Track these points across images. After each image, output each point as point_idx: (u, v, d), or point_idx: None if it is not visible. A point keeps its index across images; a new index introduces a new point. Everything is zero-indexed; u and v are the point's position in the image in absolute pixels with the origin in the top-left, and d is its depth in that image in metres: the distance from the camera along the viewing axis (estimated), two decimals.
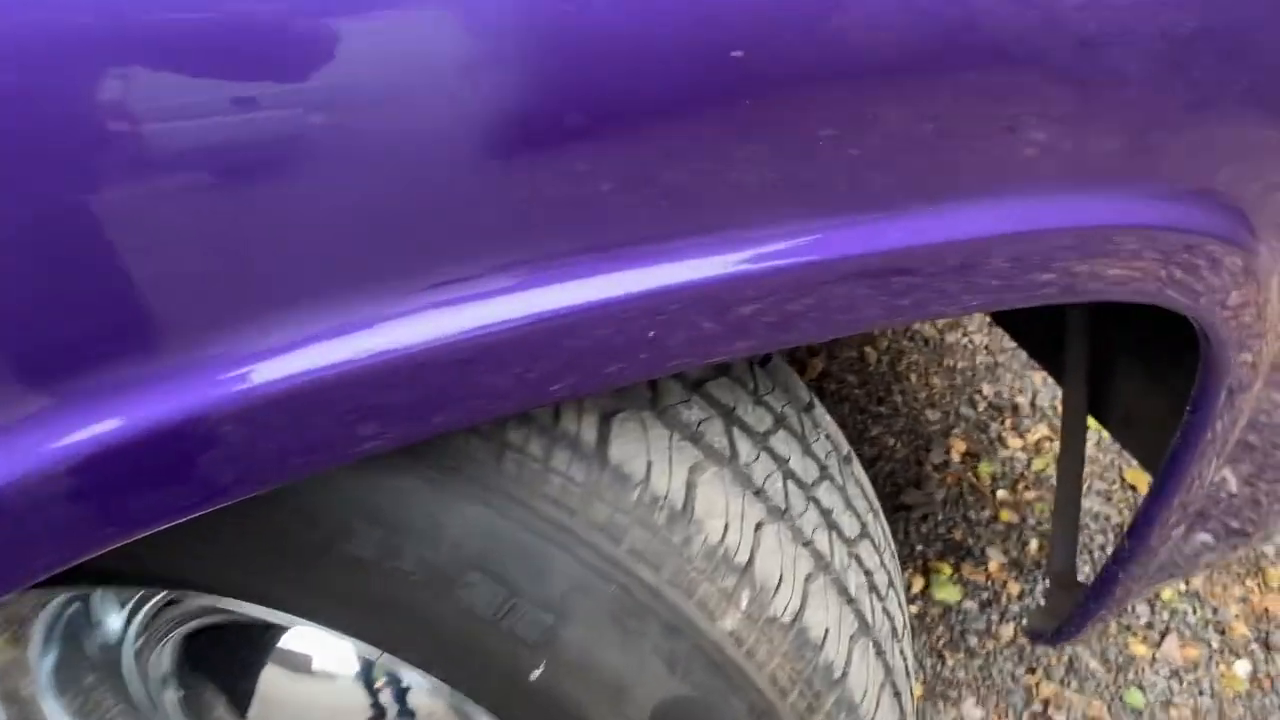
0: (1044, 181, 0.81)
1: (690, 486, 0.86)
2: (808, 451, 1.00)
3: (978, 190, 0.77)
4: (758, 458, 0.93)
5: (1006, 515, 2.49)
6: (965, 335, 3.06)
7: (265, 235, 0.54)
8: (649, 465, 0.84)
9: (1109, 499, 2.58)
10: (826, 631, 0.92)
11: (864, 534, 1.04)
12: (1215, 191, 0.94)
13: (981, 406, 2.80)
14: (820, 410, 1.08)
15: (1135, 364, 1.83)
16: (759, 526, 0.90)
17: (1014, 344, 3.00)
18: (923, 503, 2.52)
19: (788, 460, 0.96)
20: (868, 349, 2.99)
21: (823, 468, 1.01)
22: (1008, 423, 2.76)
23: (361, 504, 0.80)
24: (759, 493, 0.92)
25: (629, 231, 0.64)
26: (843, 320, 0.75)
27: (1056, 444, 2.70)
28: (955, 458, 2.62)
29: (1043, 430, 2.74)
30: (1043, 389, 2.88)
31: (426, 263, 0.60)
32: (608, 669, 0.84)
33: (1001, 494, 2.53)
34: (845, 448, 1.10)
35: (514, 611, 0.83)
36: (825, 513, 0.99)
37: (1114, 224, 0.85)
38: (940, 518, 2.48)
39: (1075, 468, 1.86)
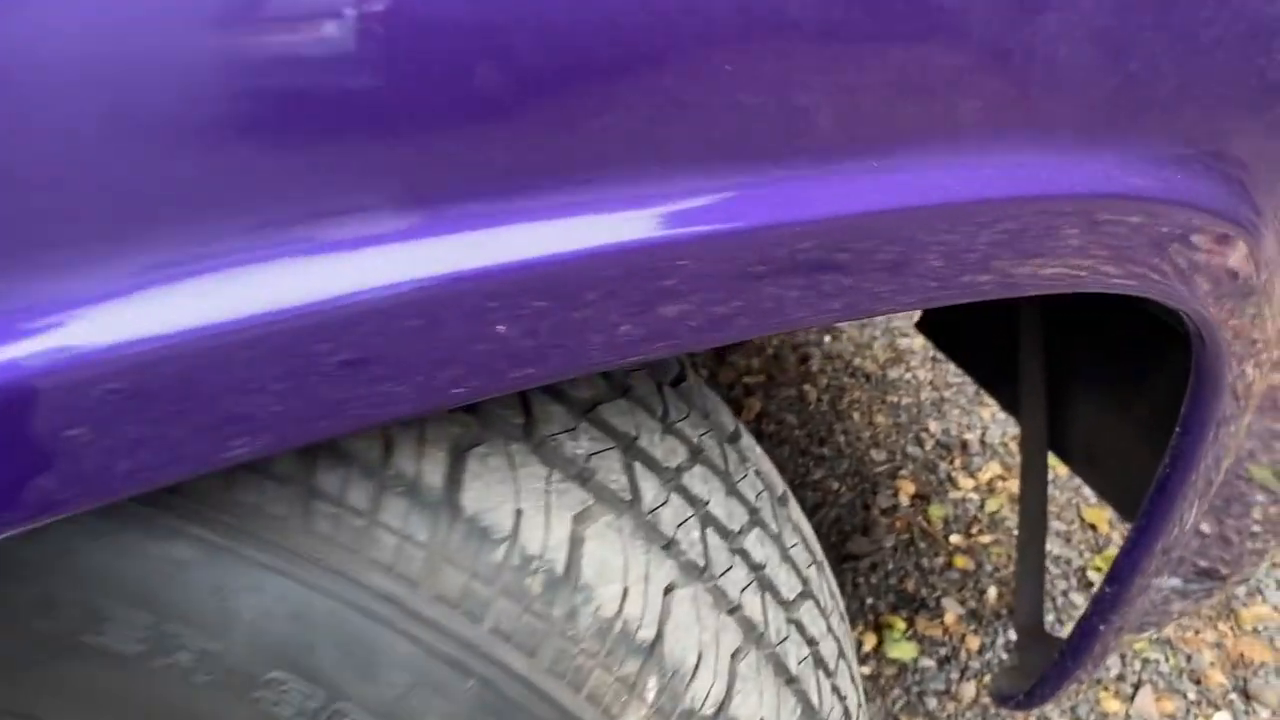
0: (1014, 137, 0.63)
1: (576, 542, 0.65)
2: (732, 492, 0.80)
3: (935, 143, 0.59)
4: (667, 501, 0.72)
5: (961, 562, 2.30)
6: (909, 370, 2.90)
7: None
8: (518, 515, 0.63)
9: (1069, 540, 2.41)
10: None
11: (806, 593, 0.83)
12: (1213, 158, 0.77)
13: (929, 445, 2.63)
14: (748, 440, 0.88)
15: (1096, 391, 1.69)
16: (669, 591, 0.69)
17: (960, 378, 2.85)
18: (871, 551, 2.32)
19: (707, 503, 0.75)
20: (807, 386, 2.81)
21: (752, 511, 0.81)
22: (957, 462, 2.59)
23: (117, 580, 0.58)
24: (669, 546, 0.71)
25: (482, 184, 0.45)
26: (769, 308, 0.56)
27: (1010, 483, 2.53)
28: (904, 501, 2.44)
29: (995, 469, 2.57)
30: (992, 425, 2.71)
31: None
32: None
33: (955, 539, 2.35)
34: (780, 487, 0.89)
35: None
36: (756, 569, 0.78)
37: (1097, 192, 0.68)
38: (891, 567, 2.29)
39: (1038, 507, 1.69)
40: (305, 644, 0.60)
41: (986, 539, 2.35)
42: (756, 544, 0.79)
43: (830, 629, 0.86)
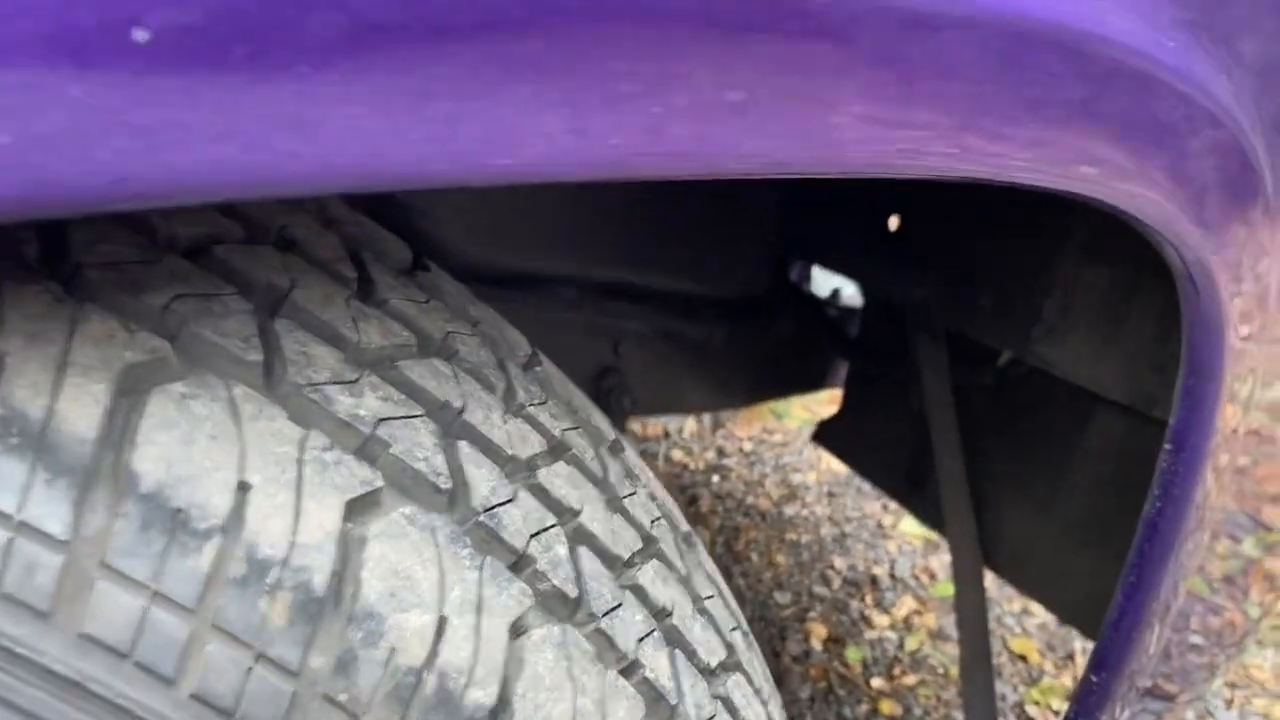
0: None
1: (351, 540, 0.38)
2: (617, 508, 0.54)
3: None
4: (513, 499, 0.46)
5: (887, 707, 2.02)
6: (805, 506, 2.67)
7: None
8: (242, 490, 0.36)
9: (1000, 674, 2.16)
10: None
11: (733, 663, 0.57)
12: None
13: (836, 583, 2.38)
14: (635, 457, 0.63)
15: (1017, 492, 1.57)
16: (520, 631, 0.42)
17: (860, 511, 2.64)
18: (787, 704, 2.03)
19: (578, 513, 0.49)
20: (699, 529, 2.55)
21: (647, 539, 0.55)
22: (869, 599, 2.34)
23: None
24: (518, 565, 0.44)
25: None
26: None
27: (927, 617, 2.29)
28: (817, 645, 2.16)
29: (910, 603, 2.33)
30: (900, 557, 2.49)
31: None
32: None
33: (877, 682, 2.08)
34: (684, 526, 0.64)
35: None
36: (659, 615, 0.51)
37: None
38: None
39: (978, 621, 1.47)
40: None
41: (911, 680, 2.08)
42: (656, 582, 0.52)
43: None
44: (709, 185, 1.65)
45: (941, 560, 2.50)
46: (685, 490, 2.70)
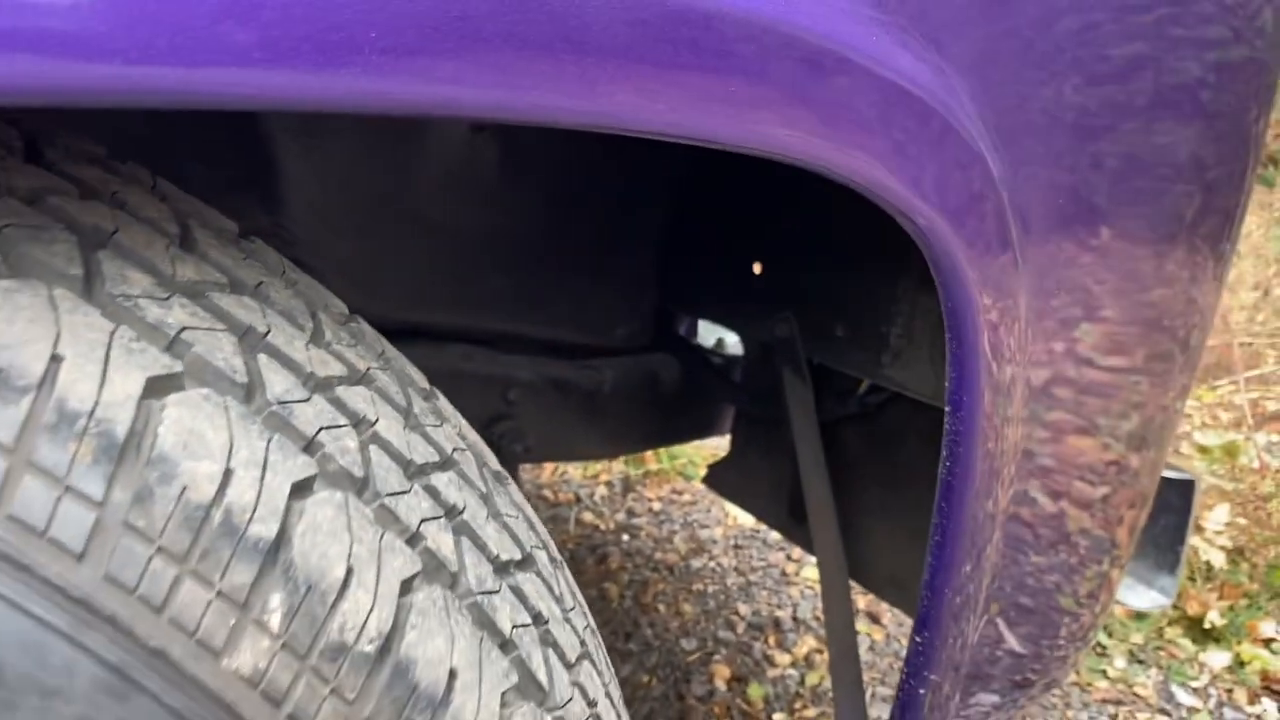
0: None
1: (149, 407, 0.47)
2: (415, 428, 0.63)
3: None
4: (307, 400, 0.55)
5: None
6: (712, 559, 2.75)
7: None
8: (54, 361, 0.45)
9: None
10: None
11: (527, 560, 0.65)
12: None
13: (741, 628, 2.45)
14: (446, 404, 0.72)
15: (891, 517, 1.67)
16: (302, 490, 0.51)
17: (765, 560, 2.72)
18: None
19: (374, 423, 0.58)
20: (608, 584, 2.61)
21: (445, 457, 0.64)
22: (771, 640, 2.41)
23: None
24: (309, 448, 0.53)
25: None
26: None
27: (829, 655, 2.37)
28: (720, 685, 2.22)
29: (811, 642, 2.40)
30: (803, 601, 2.57)
31: None
32: None
33: (778, 717, 2.14)
34: (490, 457, 0.73)
35: None
36: (450, 512, 0.60)
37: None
38: None
39: (845, 631, 1.55)
40: None
41: (812, 712, 2.15)
42: (451, 487, 0.62)
43: (573, 628, 0.68)
44: (590, 237, 1.77)
45: None
46: (595, 550, 2.76)
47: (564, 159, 1.67)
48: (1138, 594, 1.43)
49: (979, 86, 0.77)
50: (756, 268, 1.70)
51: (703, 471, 3.20)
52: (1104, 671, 2.31)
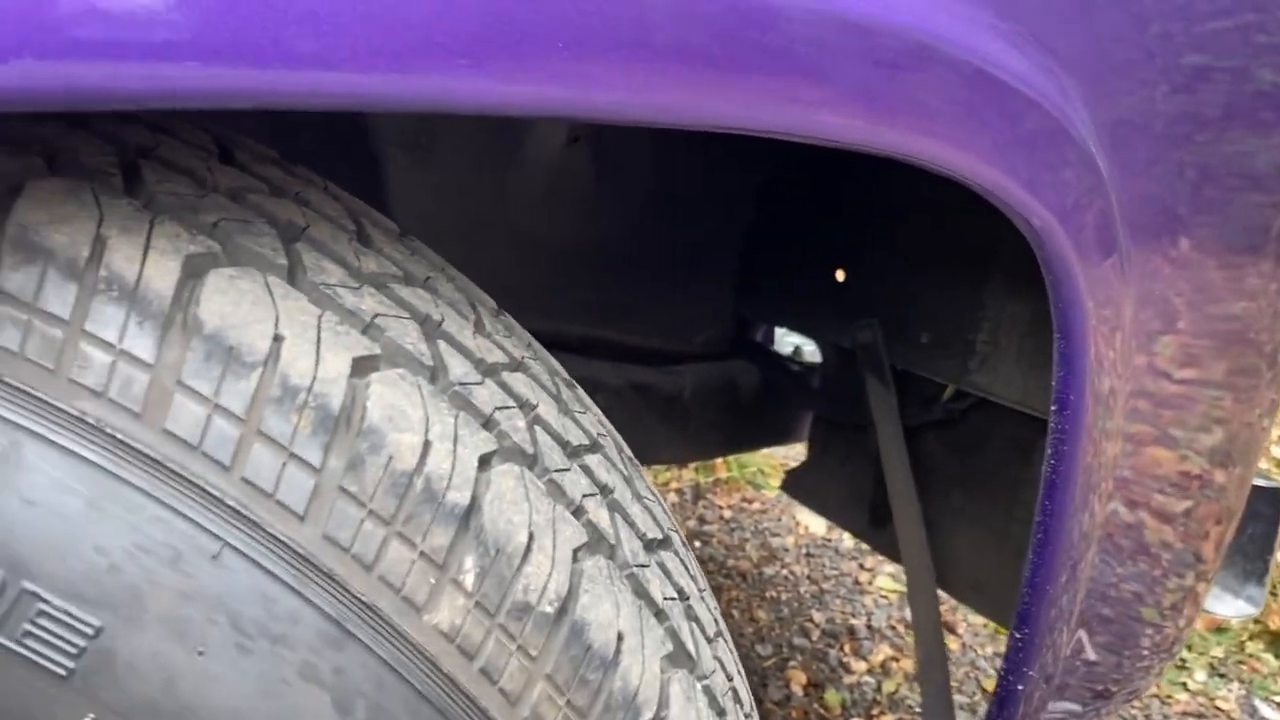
0: None
1: (358, 383, 0.52)
2: (567, 413, 0.67)
3: None
4: (481, 383, 0.59)
5: None
6: (784, 567, 2.77)
7: None
8: (277, 340, 0.50)
9: (974, 713, 2.24)
10: None
11: (665, 541, 0.69)
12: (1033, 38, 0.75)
13: (815, 635, 2.46)
14: (584, 395, 0.76)
15: (969, 522, 1.68)
16: (487, 462, 0.55)
17: (838, 569, 2.73)
18: None
19: (535, 406, 0.62)
20: None
21: (594, 441, 0.68)
22: (847, 648, 2.42)
23: None
24: (488, 424, 0.57)
25: None
26: None
27: (905, 663, 2.38)
28: (797, 690, 2.24)
29: (886, 650, 2.41)
30: (877, 610, 2.58)
31: None
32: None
33: None
34: (627, 450, 0.76)
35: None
36: (603, 490, 0.64)
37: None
38: None
39: (933, 634, 1.57)
40: None
41: (889, 719, 2.16)
42: (601, 468, 0.66)
43: (707, 607, 0.71)
44: (674, 245, 1.80)
45: None
46: None
47: (651, 168, 1.71)
48: (1224, 602, 1.43)
49: (1092, 91, 0.79)
50: (839, 275, 1.73)
51: (773, 480, 3.21)
52: (1184, 684, 2.29)
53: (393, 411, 0.51)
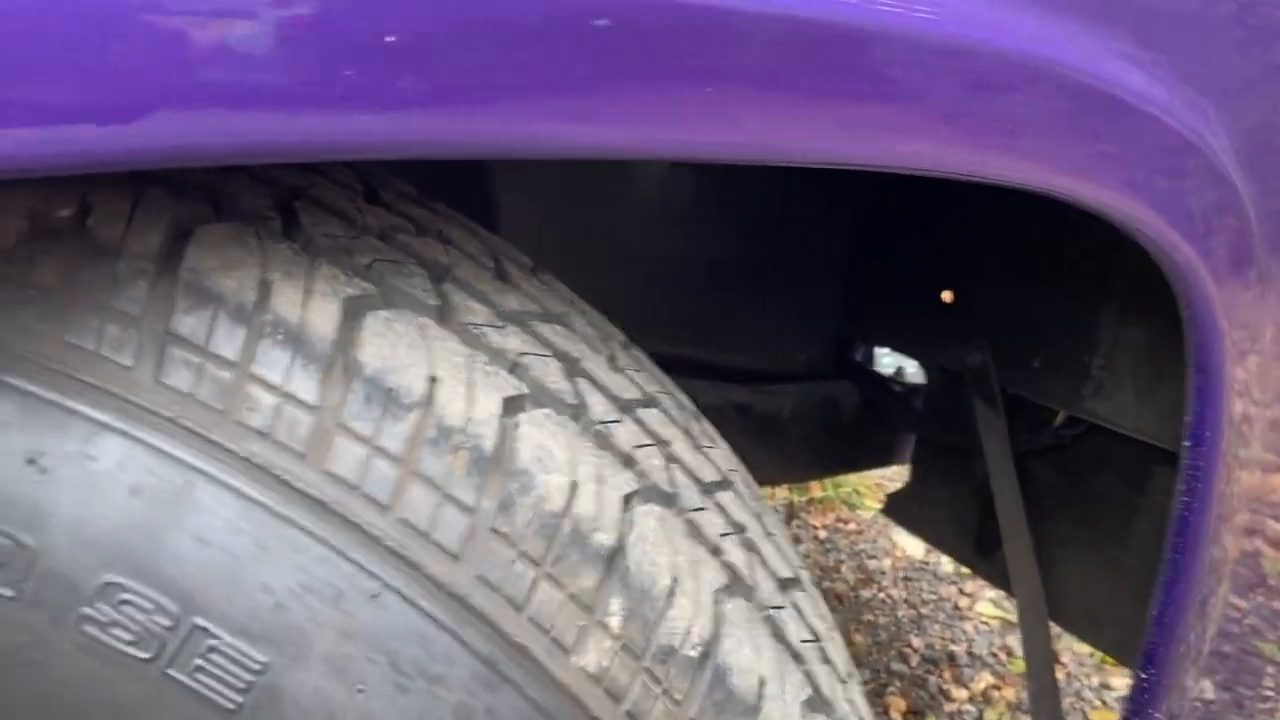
0: None
1: (508, 423, 0.52)
2: (699, 449, 0.67)
3: None
4: (620, 421, 0.59)
5: None
6: (881, 590, 2.73)
7: None
8: (432, 382, 0.51)
9: None
10: None
11: (797, 580, 0.68)
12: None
13: (914, 661, 2.42)
14: (711, 429, 0.76)
15: (1081, 552, 1.63)
16: (630, 500, 0.55)
17: (936, 594, 2.68)
18: None
19: (669, 443, 0.62)
20: None
21: (725, 478, 0.67)
22: (947, 675, 2.37)
23: None
24: (628, 462, 0.57)
25: None
26: None
27: (1006, 691, 2.32)
28: (897, 718, 2.20)
29: (987, 678, 2.36)
30: (978, 637, 2.53)
31: None
32: None
33: None
34: (755, 486, 0.76)
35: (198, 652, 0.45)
36: (737, 527, 0.64)
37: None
38: None
39: (1045, 668, 1.53)
40: (152, 533, 0.45)
41: None
42: (734, 506, 0.65)
43: (838, 647, 0.70)
44: (776, 264, 1.80)
45: (1019, 639, 2.52)
46: None
47: (754, 188, 1.71)
48: None
49: (1228, 111, 0.77)
50: (947, 296, 1.70)
51: (868, 500, 3.17)
52: None
53: (541, 452, 0.52)
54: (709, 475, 0.65)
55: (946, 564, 2.89)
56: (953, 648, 2.48)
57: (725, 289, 1.76)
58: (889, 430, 2.10)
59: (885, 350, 2.09)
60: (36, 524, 0.44)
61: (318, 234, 0.54)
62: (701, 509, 0.60)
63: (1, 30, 0.33)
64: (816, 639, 0.65)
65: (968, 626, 2.58)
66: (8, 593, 0.44)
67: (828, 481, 3.17)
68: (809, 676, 0.61)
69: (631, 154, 0.48)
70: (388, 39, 0.38)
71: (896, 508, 2.04)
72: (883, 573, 2.83)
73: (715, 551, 0.59)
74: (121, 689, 0.46)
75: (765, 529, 0.69)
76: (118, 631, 0.45)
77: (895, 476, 2.96)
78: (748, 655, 0.55)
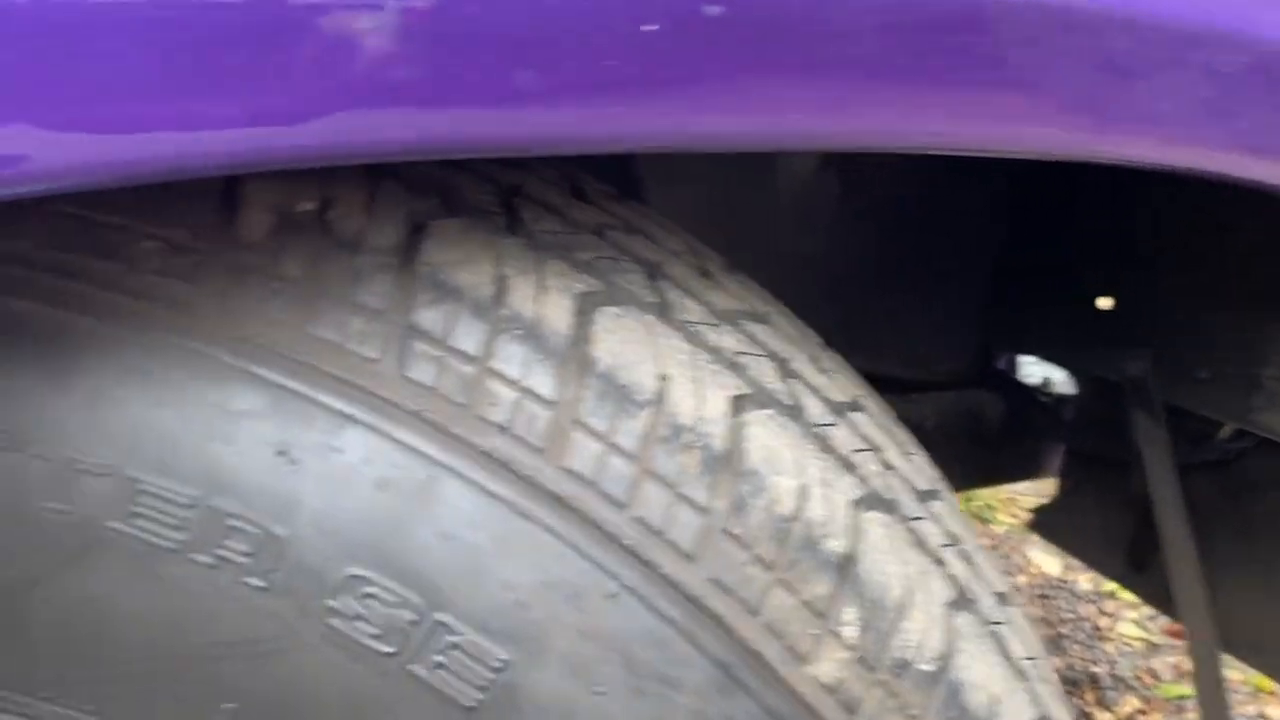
0: None
1: (737, 421, 0.51)
2: (909, 456, 0.64)
3: None
4: (835, 424, 0.58)
5: None
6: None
7: None
8: (663, 380, 0.50)
9: None
10: None
11: (1008, 599, 0.65)
12: None
13: None
14: (915, 442, 0.73)
15: (1253, 573, 1.56)
16: (858, 506, 0.53)
17: (1074, 613, 2.59)
18: None
19: (882, 450, 0.60)
20: None
21: (934, 488, 0.65)
22: (1089, 697, 2.28)
23: (154, 440, 0.45)
24: (849, 467, 0.55)
25: None
26: None
27: (1154, 717, 2.22)
28: None
29: (1134, 702, 2.26)
30: (1120, 659, 2.43)
31: None
32: None
33: None
34: (955, 500, 0.73)
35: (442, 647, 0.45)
36: (953, 539, 0.61)
37: None
38: None
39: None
40: (397, 527, 0.45)
41: None
42: (945, 516, 0.63)
43: (1049, 664, 0.67)
44: (921, 269, 1.75)
45: (1165, 662, 2.42)
46: None
47: (901, 190, 1.67)
48: None
49: None
50: (1105, 303, 1.63)
51: (1001, 514, 3.08)
52: None
53: (769, 453, 0.50)
54: (922, 483, 0.62)
55: (1085, 582, 2.78)
56: (1094, 669, 2.38)
57: (867, 293, 1.72)
58: (1036, 442, 2.03)
59: (1031, 359, 2.02)
60: (286, 515, 0.45)
61: (539, 230, 0.54)
62: (920, 518, 0.58)
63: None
64: (1033, 655, 0.62)
65: (1109, 647, 2.48)
66: (259, 583, 0.45)
67: (960, 495, 3.09)
68: (1034, 696, 0.58)
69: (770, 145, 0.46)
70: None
71: (1044, 523, 1.96)
72: (1018, 590, 2.73)
73: (939, 562, 0.57)
74: (362, 683, 0.46)
75: (971, 541, 0.66)
76: (361, 625, 0.45)
77: (1029, 490, 2.86)
78: (980, 672, 0.53)
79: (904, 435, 0.70)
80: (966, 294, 1.85)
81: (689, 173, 1.43)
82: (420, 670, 0.46)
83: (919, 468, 0.65)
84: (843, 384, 0.64)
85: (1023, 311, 1.79)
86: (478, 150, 0.40)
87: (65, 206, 0.47)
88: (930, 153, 0.50)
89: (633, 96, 0.39)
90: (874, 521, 0.53)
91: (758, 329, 0.60)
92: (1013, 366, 2.07)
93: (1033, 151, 0.52)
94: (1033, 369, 2.07)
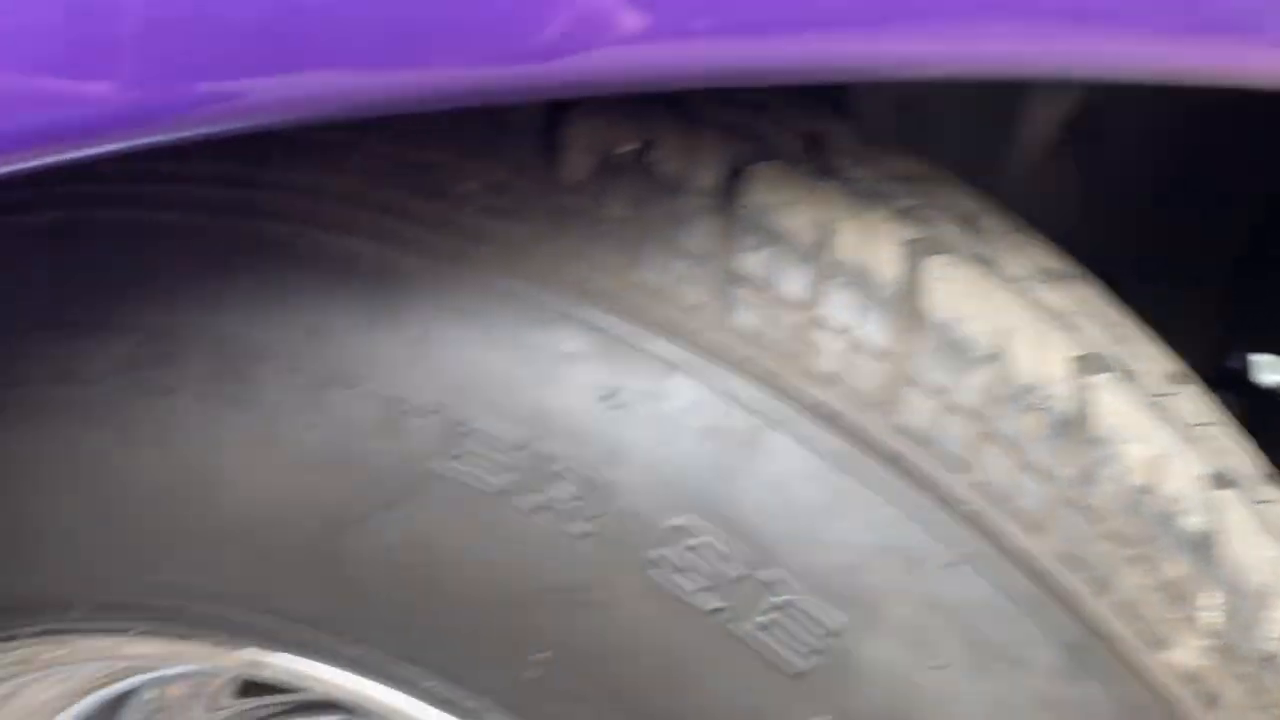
0: None
1: (1081, 383, 0.47)
2: (1234, 440, 0.58)
3: None
4: (1168, 394, 0.52)
5: None
6: None
7: None
8: (1004, 334, 0.46)
9: None
10: None
11: None
12: None
13: None
14: None
15: None
16: (1212, 483, 0.48)
17: None
18: None
19: (1208, 424, 0.55)
20: None
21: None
22: None
23: (482, 381, 0.44)
24: (1191, 439, 0.50)
25: None
26: None
27: None
28: None
29: None
30: None
31: None
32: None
33: None
34: None
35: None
36: None
37: None
38: None
39: None
40: (722, 475, 0.43)
41: None
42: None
43: None
44: (1162, 260, 1.64)
45: None
46: None
47: (1148, 171, 1.56)
48: None
49: None
50: None
51: None
52: None
53: (1117, 419, 0.46)
54: (1261, 466, 0.56)
55: None
56: None
57: (1105, 283, 1.62)
58: (1276, 445, 1.87)
59: (1270, 358, 1.87)
60: (613, 460, 0.43)
61: (854, 176, 0.51)
62: (1269, 502, 0.52)
63: None
64: None
65: None
66: (586, 528, 0.43)
67: None
68: None
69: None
70: None
71: None
72: None
73: None
74: (679, 639, 0.44)
75: None
76: (682, 579, 0.44)
77: None
78: None
79: (1226, 414, 0.64)
80: (1209, 289, 1.72)
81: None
82: (745, 629, 0.43)
83: (1249, 450, 0.59)
84: (1168, 354, 0.59)
85: (1265, 309, 1.66)
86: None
87: (388, 145, 0.47)
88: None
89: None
90: (1228, 500, 0.48)
91: (1083, 289, 0.55)
92: (1247, 367, 1.92)
93: None
94: (1273, 368, 1.91)
